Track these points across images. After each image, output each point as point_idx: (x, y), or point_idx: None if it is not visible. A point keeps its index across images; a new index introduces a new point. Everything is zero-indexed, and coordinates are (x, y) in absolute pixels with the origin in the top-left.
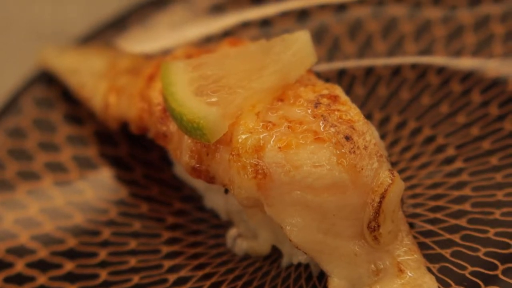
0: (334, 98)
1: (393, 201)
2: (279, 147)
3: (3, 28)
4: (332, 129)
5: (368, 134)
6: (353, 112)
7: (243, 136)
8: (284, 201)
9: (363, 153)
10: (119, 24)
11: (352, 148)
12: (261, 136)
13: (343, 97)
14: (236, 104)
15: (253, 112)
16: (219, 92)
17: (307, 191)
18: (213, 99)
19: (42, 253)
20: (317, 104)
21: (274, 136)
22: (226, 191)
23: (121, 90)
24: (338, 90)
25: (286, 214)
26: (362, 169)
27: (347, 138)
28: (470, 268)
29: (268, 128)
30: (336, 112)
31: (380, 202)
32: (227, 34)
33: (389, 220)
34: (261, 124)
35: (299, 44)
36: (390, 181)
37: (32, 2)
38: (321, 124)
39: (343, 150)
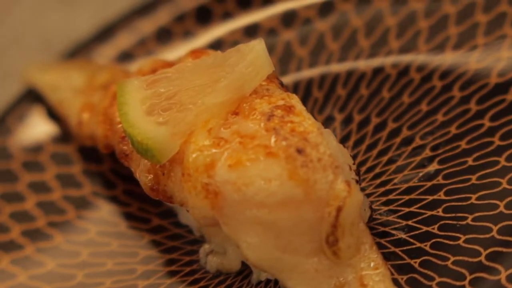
0: (289, 109)
1: (350, 214)
2: (229, 165)
3: (14, 38)
4: (284, 143)
5: (323, 146)
6: (307, 123)
7: (193, 155)
8: (238, 220)
9: (317, 166)
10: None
11: (304, 161)
12: (211, 154)
13: (299, 107)
14: (186, 122)
15: (205, 128)
16: (170, 110)
17: (260, 208)
18: (163, 119)
19: (21, 277)
20: (270, 117)
21: (225, 153)
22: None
23: (94, 107)
24: (295, 100)
25: (241, 232)
26: (315, 182)
27: (299, 151)
28: (438, 279)
29: (220, 145)
30: (288, 124)
31: (337, 215)
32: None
33: (348, 233)
34: (212, 141)
35: (253, 54)
36: (346, 194)
37: (43, 11)
38: (272, 138)
39: (295, 164)
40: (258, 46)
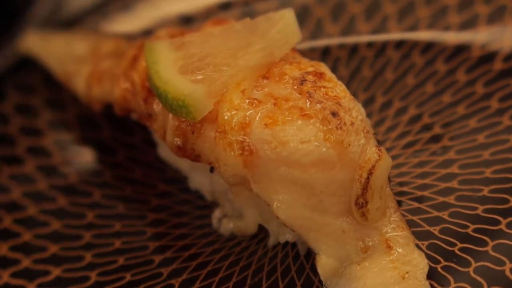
0: (320, 75)
1: (381, 177)
2: (265, 124)
3: None
4: (318, 106)
5: (355, 111)
6: (339, 88)
7: (229, 113)
8: (271, 178)
9: (350, 129)
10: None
11: (338, 124)
12: (247, 113)
13: (329, 74)
14: (221, 81)
15: (239, 89)
16: (204, 70)
17: (294, 168)
18: (198, 77)
19: (26, 236)
20: (302, 81)
21: (260, 113)
22: (212, 169)
23: (105, 73)
24: (324, 68)
25: (273, 191)
26: (349, 145)
27: (334, 114)
28: (460, 245)
29: (254, 105)
30: (322, 89)
31: (368, 178)
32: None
33: (377, 196)
34: (246, 101)
35: (283, 22)
36: (378, 157)
37: None
38: (307, 101)
39: (329, 126)
40: (288, 14)
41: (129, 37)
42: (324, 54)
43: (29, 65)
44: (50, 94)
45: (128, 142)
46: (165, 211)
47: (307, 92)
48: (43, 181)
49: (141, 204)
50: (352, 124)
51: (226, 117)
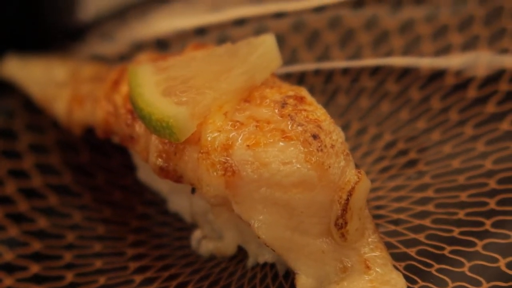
0: (300, 99)
1: (360, 199)
2: (248, 145)
3: None
4: (300, 128)
5: (335, 133)
6: (320, 112)
7: (212, 135)
8: (253, 198)
9: (330, 152)
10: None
11: (319, 146)
12: (229, 135)
13: (309, 98)
14: (204, 104)
15: (221, 112)
16: (187, 92)
17: (275, 188)
18: (182, 99)
19: (8, 256)
20: (284, 105)
21: (242, 135)
22: (193, 190)
23: (85, 96)
24: (304, 92)
25: (254, 211)
26: (329, 167)
27: (315, 136)
28: (437, 266)
29: (236, 127)
30: (303, 112)
31: (348, 199)
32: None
33: (356, 217)
34: (229, 123)
35: (264, 47)
36: (357, 179)
37: None
38: (288, 123)
39: (310, 148)
40: (268, 39)
41: (107, 62)
42: (299, 82)
43: (8, 90)
44: (30, 118)
45: (107, 165)
46: (144, 232)
47: (288, 115)
48: (24, 203)
49: (121, 226)
50: (333, 146)
51: (209, 139)
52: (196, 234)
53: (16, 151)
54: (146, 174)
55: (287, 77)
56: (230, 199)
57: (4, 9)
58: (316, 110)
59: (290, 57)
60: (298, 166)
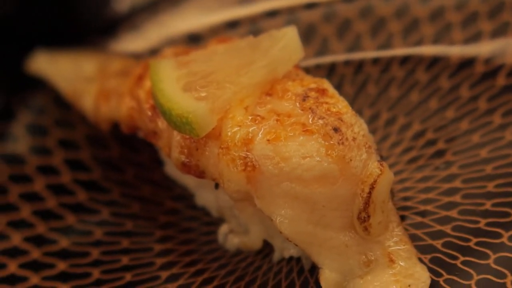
0: (322, 92)
1: (382, 192)
2: (268, 140)
3: None
4: (321, 121)
5: (357, 126)
6: (341, 104)
7: (232, 130)
8: (274, 193)
9: (352, 144)
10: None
11: (340, 140)
12: (250, 130)
13: (331, 90)
14: (224, 98)
15: (242, 106)
16: (208, 87)
17: (296, 183)
18: (202, 94)
19: (35, 254)
20: (305, 98)
21: (262, 129)
22: (217, 186)
23: (112, 91)
24: (326, 84)
25: (276, 206)
26: (351, 160)
27: (336, 129)
28: (462, 258)
29: (257, 121)
30: (324, 105)
31: (370, 192)
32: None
33: (379, 210)
34: (249, 117)
35: (286, 40)
36: (379, 172)
37: None
38: (309, 117)
39: (331, 142)
40: (291, 32)
41: (137, 57)
42: (330, 72)
43: (38, 86)
44: (59, 114)
45: (136, 160)
46: (172, 227)
47: (310, 108)
48: (52, 199)
49: (149, 221)
50: (354, 139)
51: (229, 134)
52: (223, 229)
53: (46, 147)
54: (173, 169)
55: (317, 68)
56: (252, 194)
57: (41, 5)
58: (337, 103)
59: (321, 48)
60: (318, 159)
